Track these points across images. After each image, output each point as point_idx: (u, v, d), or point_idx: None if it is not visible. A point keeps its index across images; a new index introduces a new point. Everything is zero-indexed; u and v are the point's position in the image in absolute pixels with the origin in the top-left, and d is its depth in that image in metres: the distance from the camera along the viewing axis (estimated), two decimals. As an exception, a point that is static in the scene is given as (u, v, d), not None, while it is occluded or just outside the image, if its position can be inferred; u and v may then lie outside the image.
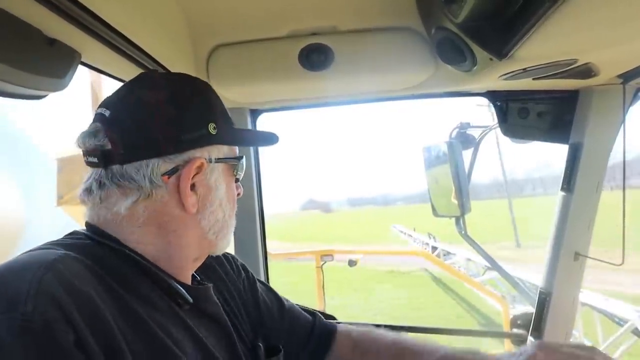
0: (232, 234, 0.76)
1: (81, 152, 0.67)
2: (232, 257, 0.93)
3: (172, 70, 1.06)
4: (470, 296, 9.62)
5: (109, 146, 0.63)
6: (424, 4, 1.01)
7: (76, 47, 0.83)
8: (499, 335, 3.54)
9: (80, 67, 0.89)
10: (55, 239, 0.64)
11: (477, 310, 9.11)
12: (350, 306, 10.02)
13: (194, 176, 0.66)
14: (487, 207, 29.61)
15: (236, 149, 0.75)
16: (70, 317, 0.47)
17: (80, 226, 0.70)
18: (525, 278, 5.09)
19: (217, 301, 0.75)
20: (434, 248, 11.75)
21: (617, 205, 1.16)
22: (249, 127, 1.49)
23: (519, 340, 1.40)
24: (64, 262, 0.53)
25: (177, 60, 1.09)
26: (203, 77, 1.19)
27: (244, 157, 0.76)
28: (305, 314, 0.96)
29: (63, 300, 0.48)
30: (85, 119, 0.75)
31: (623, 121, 1.15)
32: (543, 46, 0.79)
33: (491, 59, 0.86)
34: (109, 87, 1.05)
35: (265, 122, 1.55)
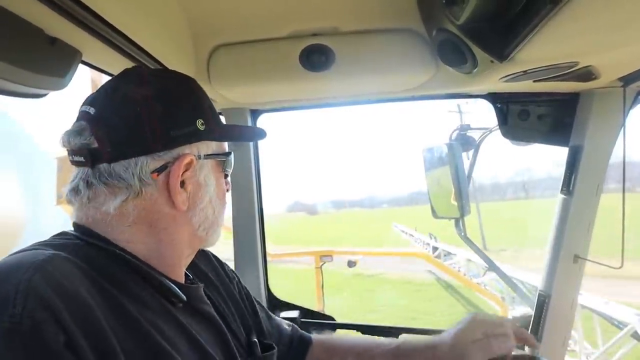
0: (221, 228, 0.76)
1: None
2: (217, 258, 0.92)
3: (173, 70, 1.06)
4: (470, 296, 9.61)
5: (96, 144, 0.61)
6: (425, 6, 1.01)
7: (77, 46, 0.83)
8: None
9: (81, 66, 0.89)
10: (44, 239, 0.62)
11: (477, 310, 9.13)
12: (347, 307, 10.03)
13: (183, 173, 0.65)
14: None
15: (225, 144, 0.75)
16: (60, 317, 0.47)
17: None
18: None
19: (208, 301, 0.74)
20: (435, 248, 11.79)
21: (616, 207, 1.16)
22: None
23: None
24: (53, 263, 0.52)
25: (177, 60, 1.09)
26: (204, 77, 1.19)
27: (232, 153, 0.75)
28: (284, 322, 0.98)
29: (52, 301, 0.47)
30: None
31: (623, 124, 1.15)
32: (544, 49, 0.79)
33: (492, 61, 0.86)
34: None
35: (265, 122, 1.55)
